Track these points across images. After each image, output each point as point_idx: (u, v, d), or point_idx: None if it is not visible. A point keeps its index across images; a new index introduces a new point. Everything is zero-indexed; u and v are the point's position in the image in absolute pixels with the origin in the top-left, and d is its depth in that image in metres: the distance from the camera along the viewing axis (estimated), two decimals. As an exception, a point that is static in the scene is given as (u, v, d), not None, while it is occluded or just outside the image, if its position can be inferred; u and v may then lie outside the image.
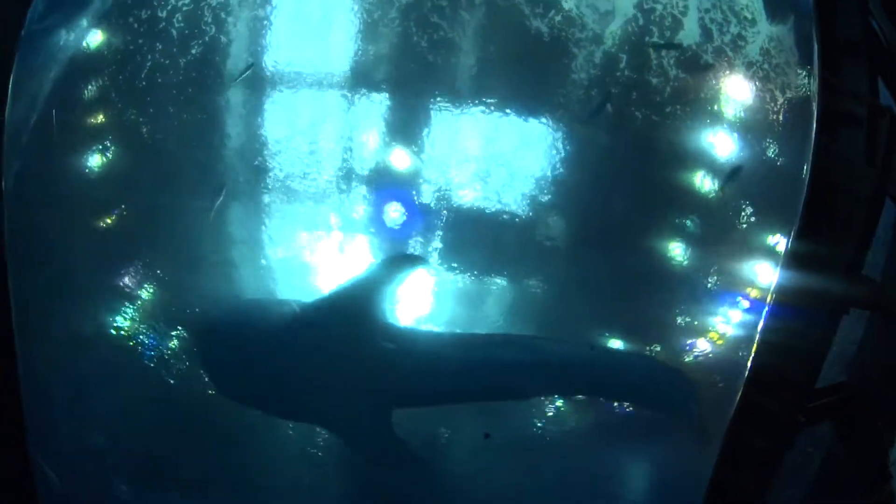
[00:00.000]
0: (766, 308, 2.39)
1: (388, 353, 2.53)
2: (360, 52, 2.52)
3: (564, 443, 2.54)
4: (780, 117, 2.50)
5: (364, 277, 2.50)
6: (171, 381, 2.50)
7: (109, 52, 2.66)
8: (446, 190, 2.50)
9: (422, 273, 2.48)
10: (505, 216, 2.52)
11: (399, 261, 2.51)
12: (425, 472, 2.55)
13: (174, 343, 2.51)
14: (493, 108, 2.47)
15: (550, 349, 2.57)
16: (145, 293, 2.53)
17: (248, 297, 2.53)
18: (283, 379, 2.56)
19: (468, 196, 2.52)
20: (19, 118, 2.63)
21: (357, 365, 2.55)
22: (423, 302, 2.51)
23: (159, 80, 2.57)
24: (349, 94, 2.52)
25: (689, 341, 2.52)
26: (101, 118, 2.66)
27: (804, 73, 2.50)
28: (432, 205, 2.49)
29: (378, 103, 2.52)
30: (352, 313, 2.52)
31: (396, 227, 2.50)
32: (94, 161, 2.61)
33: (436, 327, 2.53)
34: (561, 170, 2.49)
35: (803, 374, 2.51)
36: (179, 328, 2.50)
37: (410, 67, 2.50)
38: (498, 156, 2.53)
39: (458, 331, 2.52)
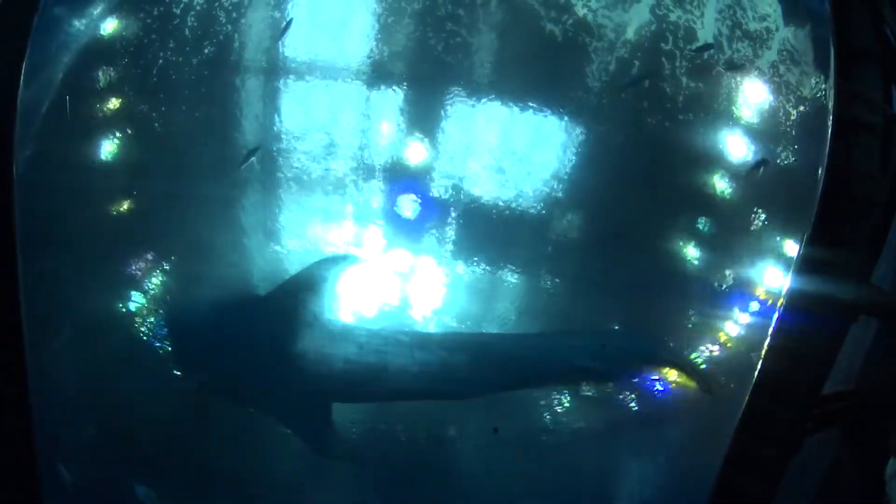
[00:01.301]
0: (777, 313, 2.39)
1: (322, 350, 2.56)
2: (377, 45, 2.52)
3: (571, 442, 2.54)
4: (796, 124, 2.50)
5: (297, 279, 2.53)
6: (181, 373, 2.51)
7: (123, 39, 2.66)
8: (460, 183, 2.51)
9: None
10: (519, 212, 2.52)
11: (330, 262, 2.54)
12: (368, 463, 2.57)
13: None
14: (511, 104, 2.47)
15: (492, 344, 2.57)
16: (157, 282, 2.53)
17: (217, 292, 2.56)
18: (231, 373, 2.58)
19: (482, 190, 2.52)
20: (31, 105, 2.62)
21: (293, 361, 2.57)
22: (435, 293, 2.52)
23: (174, 69, 2.57)
24: (365, 87, 2.52)
25: (698, 343, 2.52)
26: (114, 106, 2.66)
27: (820, 81, 2.51)
28: (446, 197, 2.50)
29: (394, 97, 2.52)
30: (286, 313, 2.55)
31: (410, 218, 2.51)
32: (108, 148, 2.61)
33: (449, 320, 2.55)
34: (577, 169, 2.50)
35: (811, 380, 2.50)
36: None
37: (427, 62, 2.50)
38: (514, 152, 2.53)
39: (402, 328, 2.54)
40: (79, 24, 2.70)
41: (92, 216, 2.65)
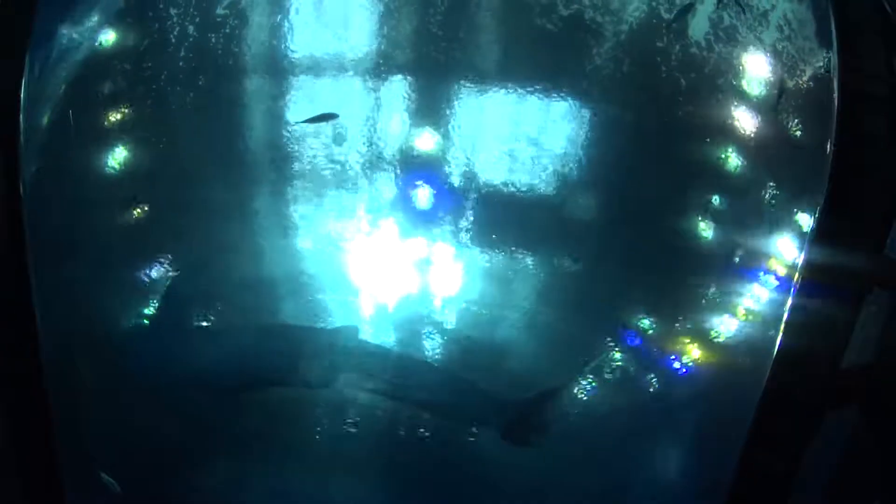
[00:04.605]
0: (793, 287, 2.40)
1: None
2: (383, 35, 2.52)
3: (593, 425, 2.54)
4: (802, 96, 2.51)
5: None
6: (200, 375, 2.51)
7: (124, 46, 2.66)
8: (473, 169, 2.50)
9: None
10: (534, 195, 2.52)
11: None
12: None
13: (202, 336, 2.52)
14: (521, 87, 2.47)
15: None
16: (174, 289, 2.54)
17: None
18: None
19: (496, 175, 2.52)
20: (35, 120, 2.62)
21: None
22: (453, 279, 2.52)
23: (178, 71, 2.57)
24: (374, 79, 2.52)
25: (717, 320, 2.52)
26: (119, 115, 2.66)
27: (823, 54, 2.52)
28: (460, 184, 2.50)
29: (403, 86, 2.52)
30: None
31: (425, 207, 2.51)
32: (116, 158, 2.61)
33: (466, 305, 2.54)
34: (589, 150, 2.50)
35: (829, 353, 2.50)
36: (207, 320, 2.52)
37: (434, 50, 2.50)
38: (525, 136, 2.53)
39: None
40: (77, 34, 2.70)
41: (103, 225, 2.66)
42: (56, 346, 2.49)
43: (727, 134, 2.55)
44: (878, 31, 2.68)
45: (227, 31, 2.59)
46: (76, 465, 2.47)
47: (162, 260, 2.57)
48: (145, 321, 2.59)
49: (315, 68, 2.56)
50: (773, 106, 2.47)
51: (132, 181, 2.64)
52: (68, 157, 2.66)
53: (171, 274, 2.57)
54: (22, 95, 2.55)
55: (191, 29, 2.60)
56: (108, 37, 2.71)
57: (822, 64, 2.51)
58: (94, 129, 2.68)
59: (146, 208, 2.63)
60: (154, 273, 2.57)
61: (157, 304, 2.59)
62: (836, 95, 2.39)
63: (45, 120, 2.64)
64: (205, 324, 2.58)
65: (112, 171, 2.64)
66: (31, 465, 2.47)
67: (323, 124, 2.53)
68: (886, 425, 2.81)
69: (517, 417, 2.59)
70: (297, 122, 2.51)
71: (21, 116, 2.56)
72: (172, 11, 2.64)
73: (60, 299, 2.52)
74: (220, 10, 2.59)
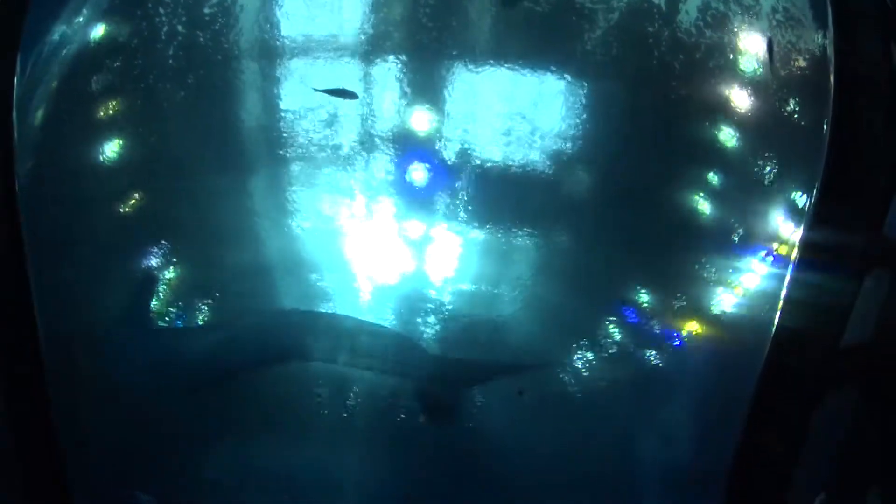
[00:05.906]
0: (791, 265, 2.40)
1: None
2: (374, 15, 2.50)
3: (593, 401, 2.51)
4: (799, 74, 2.51)
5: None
6: (208, 372, 2.50)
7: (116, 37, 2.64)
8: (469, 148, 2.48)
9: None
10: (528, 173, 2.50)
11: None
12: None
13: (210, 330, 2.51)
14: (515, 65, 2.45)
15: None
16: (174, 281, 2.53)
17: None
18: None
19: (491, 154, 2.49)
20: (28, 115, 2.61)
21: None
22: (450, 258, 2.50)
23: (169, 62, 2.55)
24: (365, 58, 2.49)
25: (715, 297, 2.51)
26: (113, 107, 2.64)
27: (819, 37, 2.52)
28: (455, 163, 2.47)
29: (395, 66, 2.47)
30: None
31: (420, 186, 2.49)
32: (111, 151, 2.59)
33: (464, 286, 2.52)
34: (585, 127, 2.48)
35: (828, 333, 2.51)
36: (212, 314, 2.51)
37: (426, 28, 2.47)
38: (519, 112, 2.51)
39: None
40: (68, 29, 2.69)
41: (101, 219, 2.65)
42: (56, 345, 2.49)
43: (722, 113, 2.54)
44: (875, 15, 2.69)
45: (218, 26, 2.58)
46: (78, 466, 2.47)
47: (160, 254, 2.56)
48: (141, 315, 2.58)
49: (305, 50, 2.54)
50: (768, 80, 2.47)
51: (131, 174, 2.63)
52: (63, 154, 2.64)
53: (169, 268, 2.56)
54: (14, 94, 2.56)
55: (179, 22, 2.59)
56: (101, 30, 2.70)
57: (817, 47, 2.51)
58: (90, 123, 2.67)
59: (144, 202, 2.62)
60: (152, 269, 2.56)
61: (154, 299, 2.58)
62: (831, 74, 2.41)
63: (38, 117, 2.64)
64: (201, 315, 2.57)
65: (110, 165, 2.63)
66: (32, 465, 2.48)
67: (319, 109, 2.52)
68: (886, 410, 2.82)
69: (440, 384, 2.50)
70: (316, 90, 2.48)
71: (14, 114, 2.57)
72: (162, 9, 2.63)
73: (60, 298, 2.51)
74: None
